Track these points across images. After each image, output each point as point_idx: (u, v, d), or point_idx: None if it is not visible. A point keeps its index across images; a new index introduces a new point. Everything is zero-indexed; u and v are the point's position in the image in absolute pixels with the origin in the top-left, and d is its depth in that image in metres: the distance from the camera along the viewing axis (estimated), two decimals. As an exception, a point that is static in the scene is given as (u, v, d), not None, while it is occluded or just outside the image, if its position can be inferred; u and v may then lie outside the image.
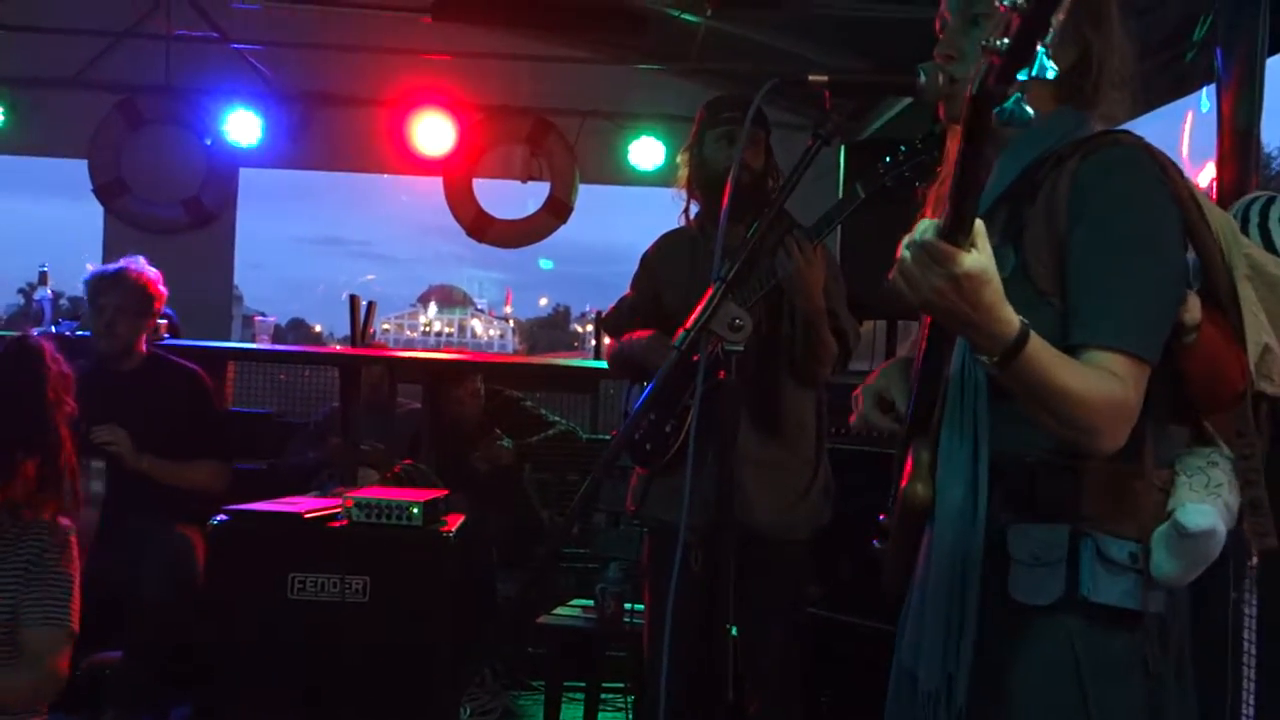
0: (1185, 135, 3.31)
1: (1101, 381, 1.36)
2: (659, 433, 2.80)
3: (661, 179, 5.72)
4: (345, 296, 4.81)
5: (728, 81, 5.26)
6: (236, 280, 6.91)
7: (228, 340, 6.23)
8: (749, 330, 1.63)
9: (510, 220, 6.39)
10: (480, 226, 6.35)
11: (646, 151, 6.08)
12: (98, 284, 3.80)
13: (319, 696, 3.10)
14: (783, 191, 1.74)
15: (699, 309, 1.60)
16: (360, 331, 4.80)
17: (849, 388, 1.84)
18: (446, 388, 4.60)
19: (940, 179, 1.63)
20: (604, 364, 3.27)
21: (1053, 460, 1.46)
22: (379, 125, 6.15)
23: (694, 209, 2.99)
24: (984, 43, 1.06)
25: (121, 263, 3.87)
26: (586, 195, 6.40)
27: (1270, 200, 1.62)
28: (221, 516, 3.19)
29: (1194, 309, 1.45)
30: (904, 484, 1.57)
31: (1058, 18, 1.01)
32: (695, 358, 1.62)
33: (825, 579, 3.24)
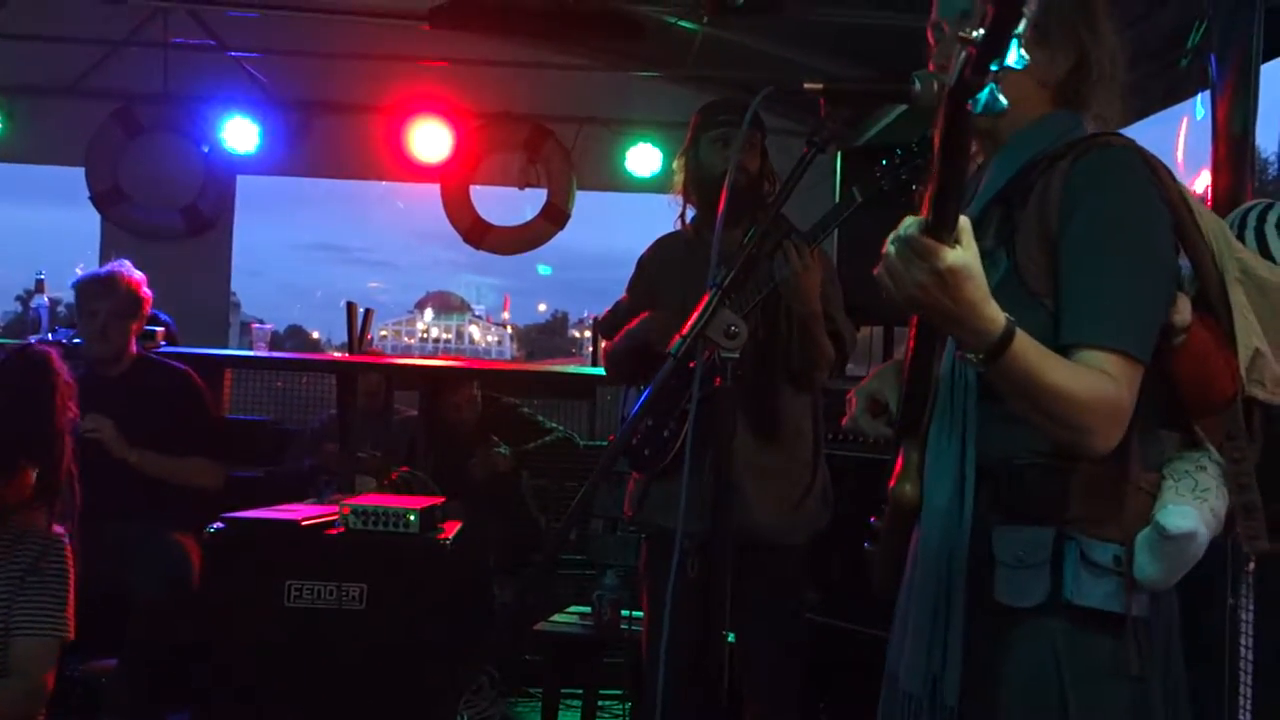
0: (1180, 141, 3.31)
1: (1094, 380, 1.36)
2: (656, 438, 2.81)
3: (658, 185, 5.72)
4: (343, 303, 4.81)
5: (724, 88, 5.28)
6: (235, 287, 6.92)
7: (225, 347, 6.22)
8: (745, 337, 1.64)
9: (507, 227, 6.40)
10: (477, 233, 6.36)
11: (643, 158, 6.09)
12: (88, 289, 3.80)
13: (316, 704, 3.10)
14: (778, 198, 1.75)
15: (695, 316, 1.60)
16: (357, 338, 4.80)
17: (846, 392, 1.85)
18: (443, 394, 4.60)
19: (929, 179, 1.64)
20: (601, 370, 3.27)
21: (1040, 462, 1.47)
22: (376, 132, 6.15)
23: (690, 213, 2.99)
24: (960, 34, 1.07)
25: (110, 267, 3.87)
26: (584, 202, 6.41)
27: (1269, 206, 1.63)
28: (218, 524, 3.19)
29: (1184, 311, 1.45)
30: (892, 484, 1.58)
31: (1029, 8, 1.03)
32: (692, 364, 1.62)
33: (823, 584, 3.24)
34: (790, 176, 1.70)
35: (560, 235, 6.43)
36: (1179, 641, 1.54)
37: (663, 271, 3.01)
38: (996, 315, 1.27)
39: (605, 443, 4.82)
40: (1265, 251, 1.58)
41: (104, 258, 6.14)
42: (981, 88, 1.07)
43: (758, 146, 2.85)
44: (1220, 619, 2.59)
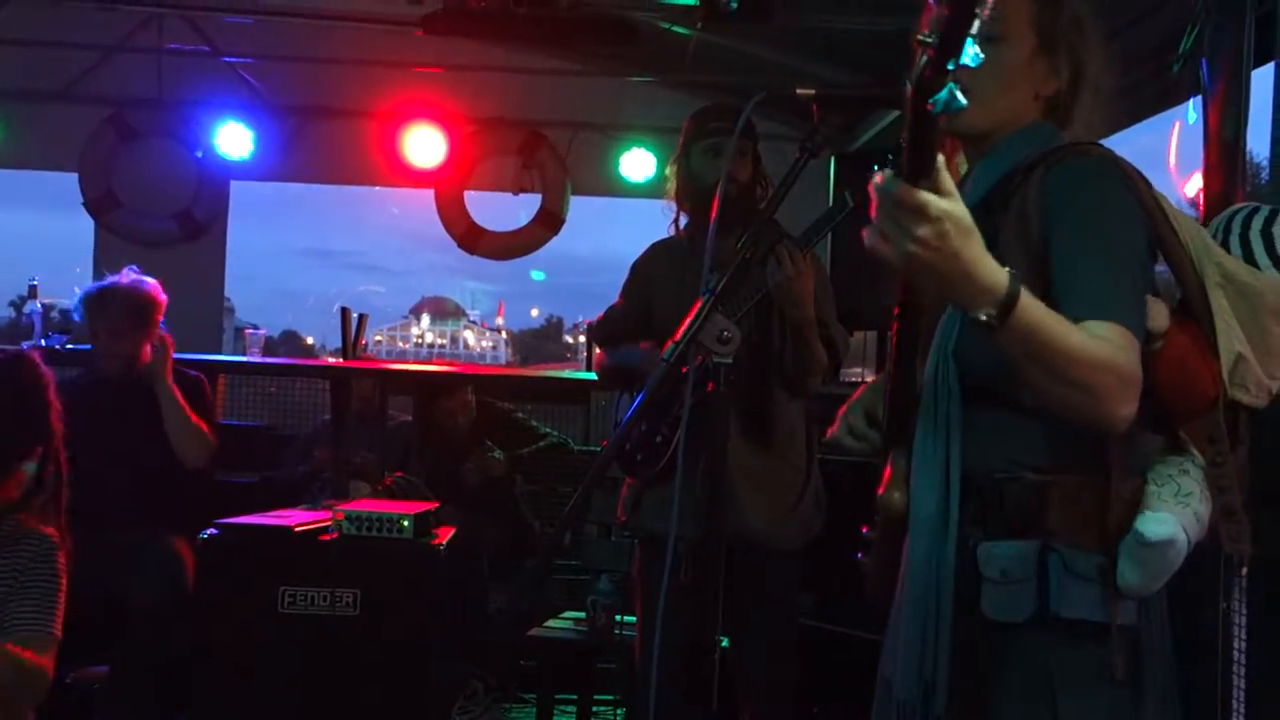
0: (1173, 146, 3.33)
1: (1103, 344, 1.34)
2: (650, 443, 2.81)
3: (653, 190, 5.72)
4: (336, 308, 4.81)
5: (718, 93, 5.27)
6: (229, 292, 6.91)
7: (219, 353, 6.22)
8: (737, 343, 1.64)
9: (502, 232, 6.39)
10: (471, 238, 6.35)
11: (638, 163, 6.09)
12: (98, 300, 3.77)
13: (310, 710, 3.10)
14: (770, 204, 1.75)
15: (688, 321, 1.61)
16: (351, 344, 4.80)
17: (840, 398, 1.85)
18: (438, 400, 4.60)
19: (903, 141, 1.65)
20: (595, 375, 3.28)
21: (1020, 476, 1.47)
22: (370, 138, 6.15)
23: (684, 220, 2.99)
24: (918, 37, 1.08)
25: (120, 279, 3.84)
26: (578, 207, 6.42)
27: (1254, 210, 1.64)
28: (212, 530, 3.18)
29: (1159, 317, 1.46)
30: (881, 492, 1.58)
31: (982, 12, 1.04)
32: (684, 370, 1.62)
33: (816, 589, 3.24)
34: (783, 182, 1.71)
35: (555, 240, 6.43)
36: (1170, 644, 1.54)
37: (656, 277, 3.01)
38: (1000, 268, 1.25)
39: (599, 448, 4.81)
40: (1249, 256, 1.59)
41: (98, 264, 6.14)
42: (940, 87, 1.07)
43: (749, 154, 2.86)
44: (1214, 623, 2.59)
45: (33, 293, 4.55)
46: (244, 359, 4.91)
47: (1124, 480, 1.48)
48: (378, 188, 6.85)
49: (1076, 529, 1.46)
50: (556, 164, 6.21)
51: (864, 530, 1.69)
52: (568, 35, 4.88)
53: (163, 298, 3.87)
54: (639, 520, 2.89)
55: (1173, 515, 1.44)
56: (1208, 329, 1.49)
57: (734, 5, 4.13)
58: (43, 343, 4.31)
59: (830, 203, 3.74)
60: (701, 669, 1.81)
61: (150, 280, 3.87)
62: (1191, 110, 2.91)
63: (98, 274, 6.08)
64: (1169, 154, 3.25)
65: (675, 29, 5.08)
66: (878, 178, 1.19)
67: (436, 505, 3.47)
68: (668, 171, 3.00)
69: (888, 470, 1.59)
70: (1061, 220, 1.45)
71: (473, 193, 6.38)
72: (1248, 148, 2.78)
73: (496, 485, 4.48)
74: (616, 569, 3.74)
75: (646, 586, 2.91)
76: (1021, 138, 1.55)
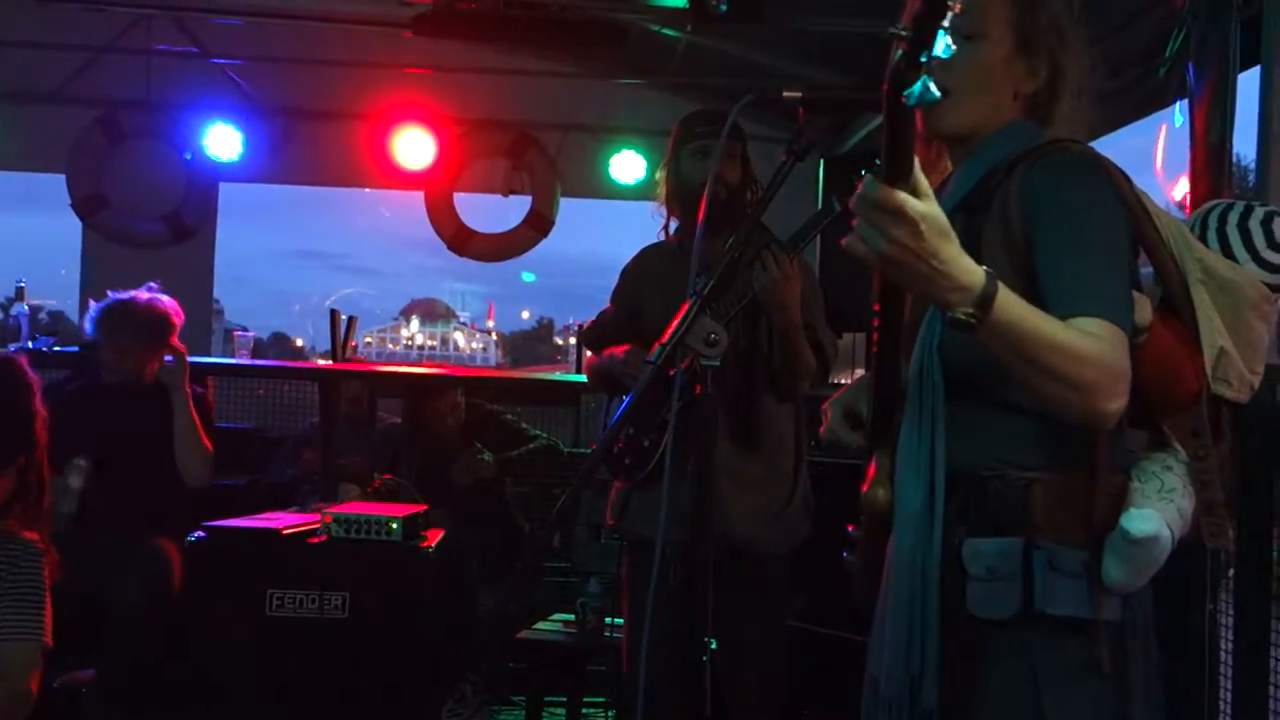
0: (1159, 149, 3.34)
1: (1088, 337, 1.34)
2: (638, 446, 2.81)
3: (642, 192, 5.74)
4: (327, 304, 4.80)
5: (708, 96, 5.28)
6: (218, 294, 6.90)
7: (208, 355, 6.20)
8: (725, 346, 1.64)
9: (491, 234, 6.39)
10: (461, 240, 6.35)
11: (627, 165, 6.10)
12: (110, 315, 3.74)
13: (298, 713, 3.09)
14: (758, 207, 1.75)
15: (675, 324, 1.61)
16: (341, 346, 4.79)
17: (825, 401, 1.85)
18: (426, 402, 4.60)
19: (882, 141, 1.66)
20: (585, 378, 3.28)
21: (1004, 473, 1.48)
22: (359, 139, 6.14)
23: (674, 224, 3.00)
24: (891, 30, 1.09)
25: (138, 295, 3.80)
26: (568, 209, 6.41)
27: (1229, 206, 1.65)
28: (199, 533, 3.17)
29: (1143, 311, 1.47)
30: (865, 489, 1.59)
31: (954, 5, 1.05)
32: (671, 373, 1.63)
33: (805, 591, 3.24)
34: (769, 185, 1.71)
35: (544, 242, 6.44)
36: (1154, 641, 1.54)
37: (646, 281, 3.01)
38: (976, 266, 1.26)
39: (589, 450, 4.81)
40: (1228, 250, 1.60)
41: (85, 265, 6.13)
42: (914, 80, 1.08)
43: (738, 156, 2.86)
44: (1201, 622, 2.61)
45: (20, 295, 4.53)
46: (232, 361, 4.89)
47: (1109, 477, 1.48)
48: (367, 189, 6.84)
49: (1061, 526, 1.46)
50: (546, 166, 6.21)
51: (849, 529, 1.69)
52: (557, 37, 4.88)
53: (178, 318, 3.83)
54: (627, 523, 2.88)
55: (1157, 512, 1.45)
56: (1190, 324, 1.51)
57: (723, 7, 4.14)
58: (30, 345, 4.29)
59: (819, 206, 3.75)
60: (692, 672, 1.81)
61: (167, 299, 3.84)
62: (1178, 113, 2.93)
63: (86, 276, 6.10)
64: (1156, 157, 3.27)
65: (664, 31, 5.09)
66: (860, 187, 1.21)
67: (425, 508, 3.47)
68: (658, 176, 3.01)
69: (871, 467, 1.59)
70: (1044, 217, 1.45)
71: (462, 194, 6.38)
72: (1235, 151, 2.79)
73: (486, 487, 4.47)
74: (606, 571, 3.74)
75: (634, 589, 2.90)
76: (1003, 136, 1.56)
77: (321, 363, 5.35)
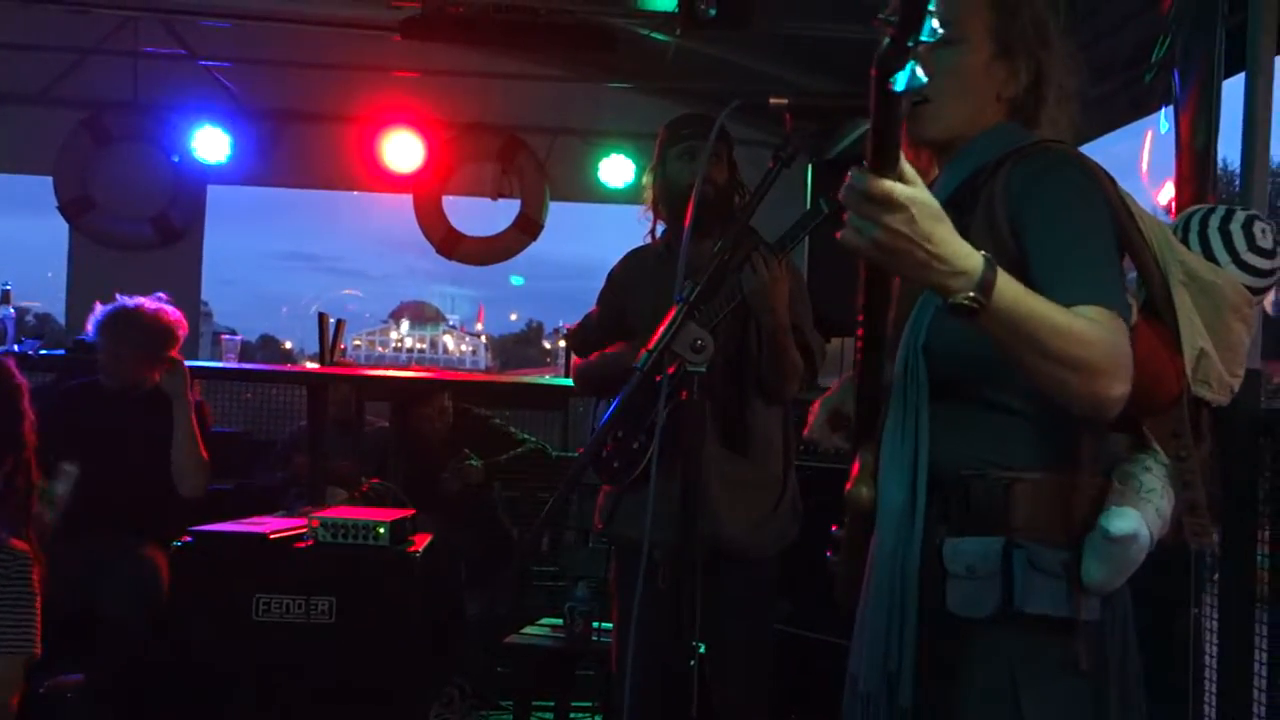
0: (1145, 153, 3.35)
1: (1090, 323, 1.33)
2: (626, 450, 2.81)
3: (631, 196, 5.73)
4: (313, 310, 4.79)
5: (697, 100, 5.28)
6: (207, 297, 6.88)
7: (196, 358, 6.18)
8: (711, 351, 1.64)
9: (480, 237, 6.39)
10: (450, 243, 6.34)
11: (616, 169, 6.10)
12: (114, 321, 3.72)
13: (285, 718, 3.08)
14: (745, 211, 1.76)
15: (661, 330, 1.61)
16: (329, 349, 4.78)
17: (812, 404, 1.85)
18: (415, 406, 4.59)
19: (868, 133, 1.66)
20: (572, 382, 3.27)
21: (985, 473, 1.48)
22: (348, 142, 6.13)
23: (660, 228, 3.00)
24: (878, 17, 1.09)
25: (145, 303, 3.78)
26: (557, 212, 6.42)
27: (1210, 210, 1.67)
28: (186, 538, 3.16)
29: (1129, 312, 1.48)
30: (848, 487, 1.59)
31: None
32: (658, 379, 1.63)
33: (793, 595, 3.24)
34: (757, 190, 1.72)
35: (534, 245, 6.43)
36: (1134, 641, 1.55)
37: (633, 285, 3.02)
38: (972, 250, 1.24)
39: (578, 454, 4.81)
40: (1209, 253, 1.62)
41: (72, 268, 6.10)
42: (902, 66, 1.07)
43: (725, 159, 2.87)
44: (1185, 625, 2.62)
45: (5, 297, 4.51)
46: (219, 365, 4.88)
47: (1089, 477, 1.49)
48: (356, 192, 6.83)
49: (1042, 526, 1.47)
50: (535, 169, 6.21)
51: (833, 529, 1.70)
52: (546, 41, 4.88)
53: (182, 330, 3.81)
54: (615, 527, 2.88)
55: (1136, 511, 1.46)
56: (1171, 326, 1.51)
57: (712, 12, 4.15)
58: (15, 348, 4.27)
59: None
60: (679, 676, 1.81)
61: (173, 310, 3.81)
62: (1164, 119, 2.94)
63: (72, 278, 6.07)
64: (1141, 162, 3.28)
65: (654, 35, 5.09)
66: (848, 178, 1.20)
67: (413, 512, 3.46)
68: (645, 180, 3.01)
69: (855, 465, 1.59)
70: (1033, 212, 1.46)
71: (451, 198, 6.38)
72: (1221, 157, 2.81)
73: (474, 492, 4.47)
74: (594, 575, 3.74)
75: (622, 593, 2.90)
76: (988, 138, 1.57)
77: (310, 366, 5.34)
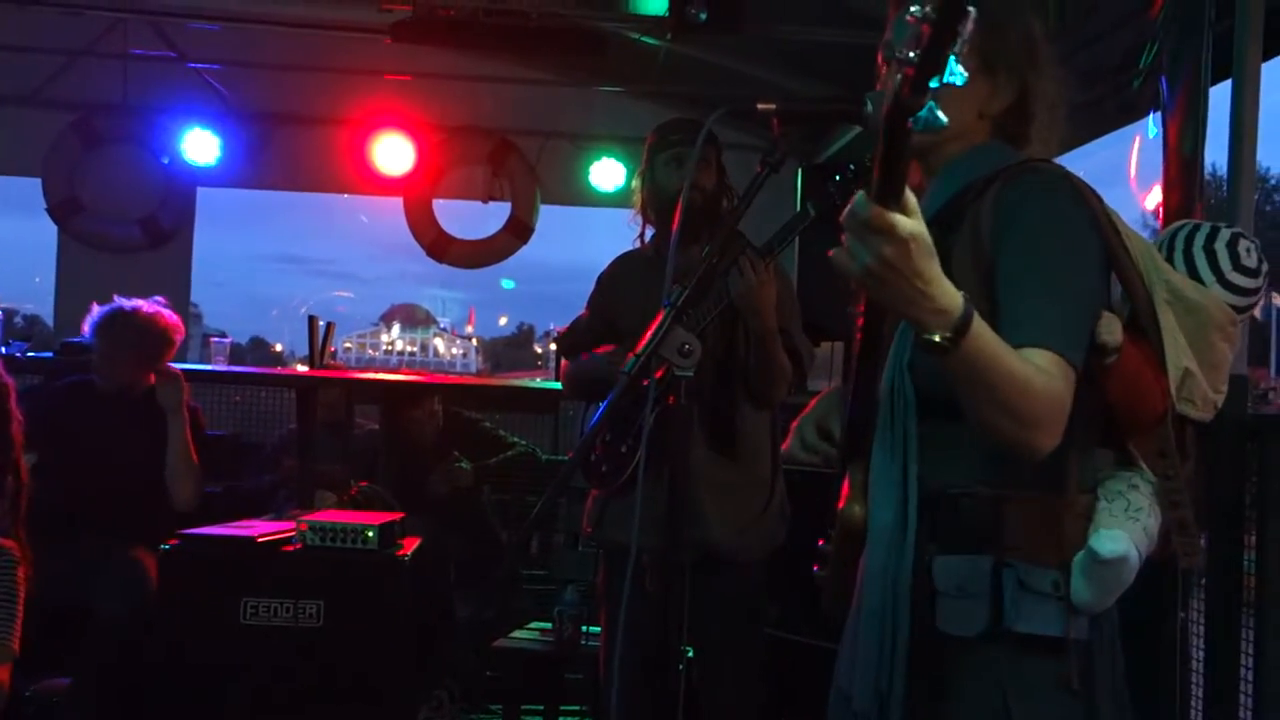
0: (1133, 159, 3.37)
1: (1040, 372, 1.35)
2: (614, 454, 2.80)
3: (622, 200, 5.70)
4: (303, 312, 4.79)
5: (688, 104, 5.30)
6: (197, 299, 6.88)
7: (185, 361, 6.16)
8: (699, 355, 1.65)
9: (471, 240, 6.39)
10: (440, 247, 6.35)
11: (607, 172, 6.11)
12: (109, 322, 3.69)
13: (272, 722, 3.07)
14: (733, 215, 1.76)
15: (649, 334, 1.61)
16: (319, 352, 4.77)
17: (801, 410, 1.85)
18: (404, 409, 4.58)
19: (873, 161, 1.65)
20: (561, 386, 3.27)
21: (974, 491, 1.48)
22: (339, 145, 6.13)
23: (649, 232, 3.01)
24: (895, 54, 1.07)
25: (142, 305, 3.76)
26: (548, 215, 6.43)
27: (1195, 228, 1.67)
28: (174, 540, 3.15)
29: (1115, 331, 1.47)
30: (840, 505, 1.59)
31: (964, 29, 1.03)
32: (645, 383, 1.63)
33: (781, 599, 3.24)
34: (744, 195, 1.72)
35: (524, 249, 6.44)
36: (1121, 657, 1.55)
37: (621, 289, 3.02)
38: (955, 291, 1.26)
39: (568, 457, 4.81)
40: (1194, 273, 1.62)
41: (61, 270, 6.09)
42: (920, 106, 1.07)
43: (713, 164, 2.87)
44: (1173, 631, 2.63)
45: (-7, 299, 4.49)
46: (209, 367, 4.87)
47: (1077, 496, 1.49)
48: (347, 195, 6.83)
49: (1032, 545, 1.47)
50: (526, 173, 6.22)
51: (820, 544, 1.70)
52: (537, 45, 4.89)
53: (178, 335, 3.78)
54: (603, 531, 2.88)
55: (1125, 532, 1.46)
56: (1156, 345, 1.51)
57: (703, 16, 4.16)
58: (3, 350, 4.26)
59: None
60: (667, 680, 1.81)
61: (171, 315, 3.78)
62: (1152, 125, 2.95)
63: (61, 280, 6.06)
64: (1129, 167, 3.29)
65: (645, 39, 5.10)
66: (854, 199, 1.20)
67: (402, 515, 3.46)
68: (633, 185, 3.02)
69: (846, 484, 1.59)
70: (1009, 239, 1.46)
71: (442, 201, 6.38)
72: (1210, 163, 2.82)
73: (464, 495, 4.46)
74: (583, 579, 3.74)
75: (610, 597, 2.90)
76: (974, 156, 1.57)
77: (300, 369, 5.33)
